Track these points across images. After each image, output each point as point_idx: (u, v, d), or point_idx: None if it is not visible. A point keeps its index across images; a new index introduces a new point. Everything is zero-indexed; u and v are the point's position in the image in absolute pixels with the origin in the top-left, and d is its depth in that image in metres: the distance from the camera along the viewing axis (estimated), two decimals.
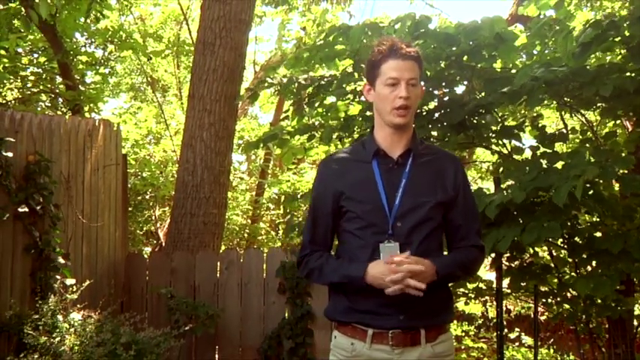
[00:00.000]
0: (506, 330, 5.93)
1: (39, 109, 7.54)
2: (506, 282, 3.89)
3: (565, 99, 3.63)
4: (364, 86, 2.04)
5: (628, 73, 3.17)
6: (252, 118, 13.39)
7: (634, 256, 3.14)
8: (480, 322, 6.66)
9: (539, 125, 3.79)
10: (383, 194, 1.92)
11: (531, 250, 3.74)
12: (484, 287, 4.26)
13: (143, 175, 8.70)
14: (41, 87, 7.87)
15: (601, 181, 3.15)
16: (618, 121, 4.54)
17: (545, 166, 3.27)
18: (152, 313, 4.75)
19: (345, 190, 1.96)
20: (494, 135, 3.81)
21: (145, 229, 9.14)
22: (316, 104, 4.23)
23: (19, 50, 7.48)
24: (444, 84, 3.85)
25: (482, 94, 3.63)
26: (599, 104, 3.59)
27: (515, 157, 3.82)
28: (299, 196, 4.97)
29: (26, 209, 3.94)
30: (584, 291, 3.24)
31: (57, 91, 7.84)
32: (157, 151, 9.90)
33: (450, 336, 1.99)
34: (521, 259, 3.79)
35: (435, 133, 3.85)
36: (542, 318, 5.34)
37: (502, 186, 3.65)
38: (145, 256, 5.79)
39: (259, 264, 4.90)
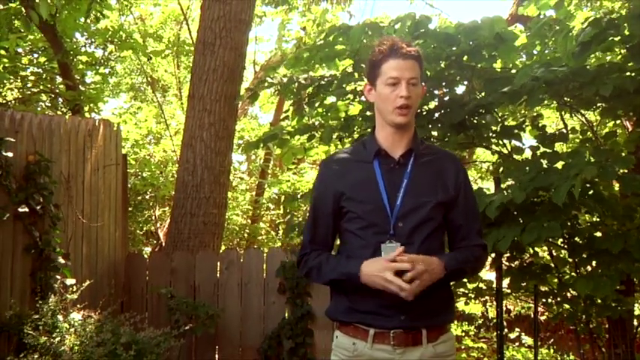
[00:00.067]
0: (506, 330, 5.93)
1: (39, 109, 7.54)
2: (506, 282, 3.89)
3: (565, 99, 3.63)
4: (365, 86, 2.04)
5: (628, 73, 3.17)
6: (252, 118, 13.39)
7: (634, 256, 3.14)
8: (480, 322, 6.67)
9: (540, 125, 3.79)
10: (384, 194, 1.91)
11: (531, 250, 3.74)
12: (484, 287, 4.26)
13: (143, 175, 8.70)
14: (41, 87, 7.87)
15: (601, 181, 3.15)
16: (618, 121, 4.54)
17: (545, 166, 3.27)
18: (152, 313, 4.75)
19: (346, 191, 1.95)
20: (494, 135, 3.81)
21: (145, 229, 9.14)
22: (316, 104, 4.23)
23: (19, 50, 7.48)
24: (444, 84, 3.86)
25: (483, 94, 3.63)
26: (599, 104, 3.59)
27: (515, 157, 3.82)
28: (299, 196, 4.96)
29: (26, 209, 3.95)
30: (584, 291, 3.24)
31: (57, 91, 7.84)
32: (157, 151, 9.90)
33: (451, 336, 1.98)
34: (521, 259, 3.79)
35: (435, 133, 3.85)
36: (542, 318, 5.34)
37: (502, 186, 3.65)
38: (145, 256, 5.79)
39: (259, 264, 4.90)
